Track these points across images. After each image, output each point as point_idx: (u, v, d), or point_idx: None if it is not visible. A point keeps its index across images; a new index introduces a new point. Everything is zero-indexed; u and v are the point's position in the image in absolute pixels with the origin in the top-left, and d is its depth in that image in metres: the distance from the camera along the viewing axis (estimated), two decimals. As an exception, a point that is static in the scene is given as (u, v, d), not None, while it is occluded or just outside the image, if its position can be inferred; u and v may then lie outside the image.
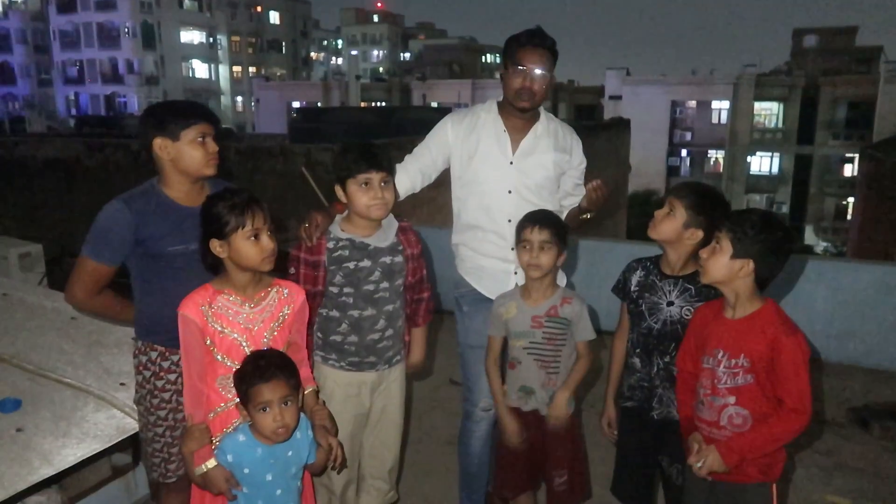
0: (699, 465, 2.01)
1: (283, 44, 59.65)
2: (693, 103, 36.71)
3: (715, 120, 36.13)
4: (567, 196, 2.79)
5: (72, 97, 51.32)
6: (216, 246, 2.00)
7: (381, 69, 66.59)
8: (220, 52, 53.53)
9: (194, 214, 2.08)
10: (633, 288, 2.41)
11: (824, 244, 31.95)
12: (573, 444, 2.49)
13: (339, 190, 2.37)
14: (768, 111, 35.63)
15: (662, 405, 2.35)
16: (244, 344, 2.04)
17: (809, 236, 33.02)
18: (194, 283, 2.07)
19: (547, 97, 2.65)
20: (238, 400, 1.97)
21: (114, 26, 48.74)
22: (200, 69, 52.54)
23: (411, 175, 2.71)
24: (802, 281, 4.95)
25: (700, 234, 2.24)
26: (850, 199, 29.26)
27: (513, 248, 2.67)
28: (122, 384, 2.57)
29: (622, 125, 19.52)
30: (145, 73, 48.79)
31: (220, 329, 2.01)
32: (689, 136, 36.88)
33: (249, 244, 1.99)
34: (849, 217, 29.78)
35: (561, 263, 2.44)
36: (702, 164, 37.06)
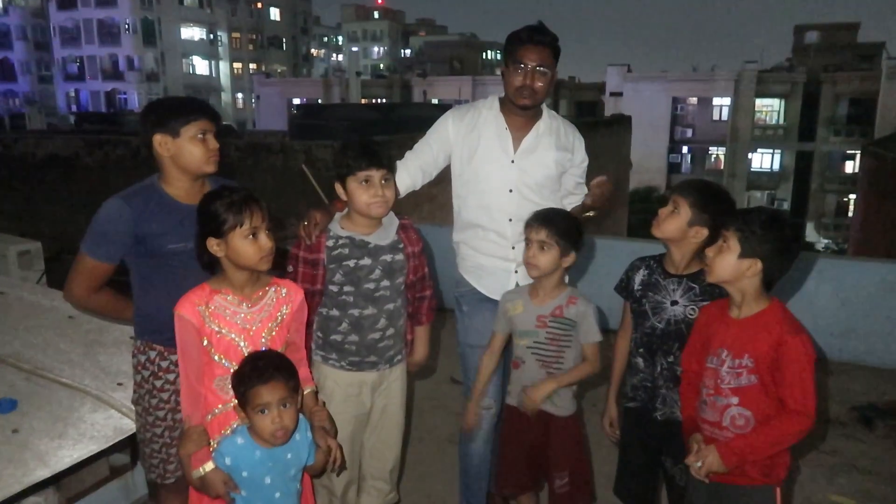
0: (698, 465, 1.98)
1: (284, 40, 59.61)
2: (694, 100, 36.71)
3: (716, 116, 36.13)
4: (568, 195, 2.76)
5: (72, 94, 51.32)
6: (213, 245, 1.96)
7: (381, 66, 66.62)
8: (220, 49, 53.50)
9: (194, 212, 2.05)
10: (636, 287, 2.39)
11: (825, 241, 31.94)
12: (575, 447, 2.46)
13: (339, 187, 2.34)
14: (769, 108, 35.61)
15: (666, 406, 2.32)
16: (242, 344, 2.01)
17: (810, 233, 33.00)
18: (194, 282, 2.04)
19: (549, 94, 2.61)
20: (236, 401, 1.94)
21: (114, 23, 48.72)
22: (201, 66, 52.50)
23: (412, 172, 2.68)
24: (805, 279, 4.92)
25: (705, 232, 2.21)
26: (852, 196, 29.23)
27: (513, 247, 2.64)
28: (119, 384, 2.54)
29: (623, 122, 19.46)
30: (146, 70, 48.79)
31: (217, 329, 1.98)
32: (690, 132, 36.89)
33: (247, 243, 1.96)
34: (850, 214, 29.76)
35: (567, 265, 2.40)
36: (703, 161, 37.06)
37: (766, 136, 35.32)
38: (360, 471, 2.58)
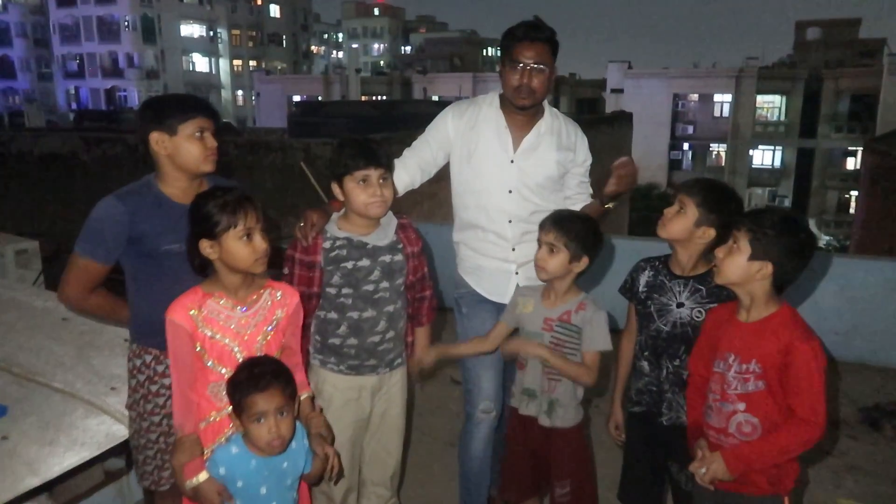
0: (702, 471, 1.93)
1: (284, 37, 59.52)
2: (695, 96, 36.64)
3: (717, 113, 36.07)
4: (570, 196, 2.70)
5: (72, 91, 51.28)
6: (206, 247, 1.90)
7: (381, 63, 66.57)
8: (220, 46, 53.43)
9: None
10: (641, 288, 2.33)
11: (827, 238, 31.89)
12: (579, 455, 2.39)
13: (336, 187, 2.27)
14: (771, 104, 35.58)
15: (672, 410, 2.26)
16: (236, 349, 1.95)
17: (812, 230, 32.95)
18: (190, 285, 1.98)
19: (549, 92, 2.54)
20: (231, 408, 1.88)
21: (114, 20, 48.64)
22: (201, 63, 52.44)
23: (410, 171, 2.63)
24: (810, 277, 4.86)
25: (712, 232, 2.15)
26: (853, 193, 29.20)
27: (514, 249, 2.59)
28: (112, 388, 2.49)
29: (624, 119, 19.41)
30: (146, 67, 48.70)
31: (210, 334, 1.92)
32: (691, 129, 36.82)
33: (241, 244, 1.90)
34: (851, 210, 29.72)
35: (579, 270, 2.30)
36: (704, 158, 36.99)
37: (767, 133, 35.28)
38: (360, 476, 2.52)
